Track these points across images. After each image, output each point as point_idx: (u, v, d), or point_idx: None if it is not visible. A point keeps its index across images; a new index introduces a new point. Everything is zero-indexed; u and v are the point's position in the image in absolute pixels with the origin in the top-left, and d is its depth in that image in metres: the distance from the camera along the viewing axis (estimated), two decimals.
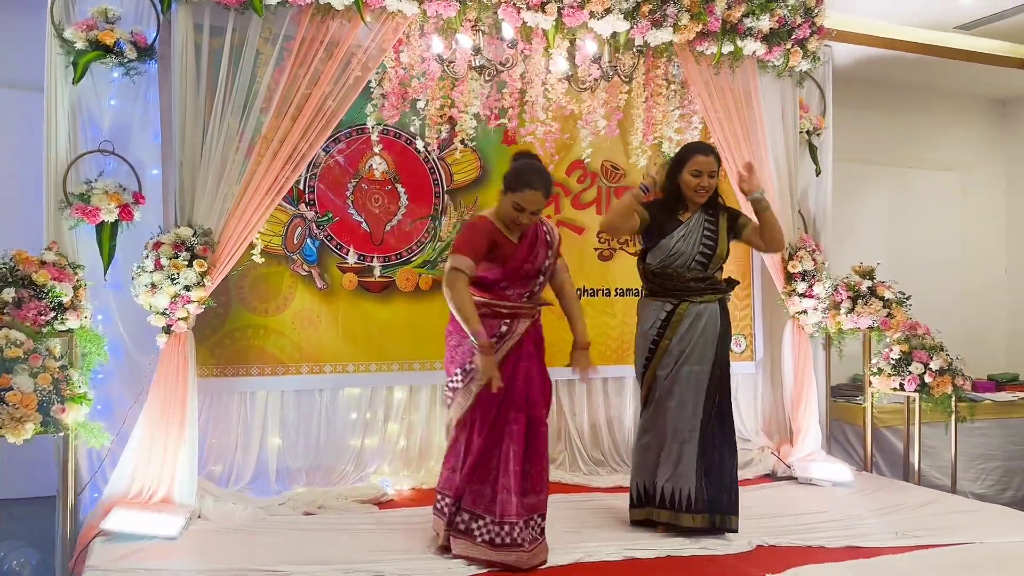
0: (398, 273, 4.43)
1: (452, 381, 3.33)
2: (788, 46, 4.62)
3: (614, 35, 4.18)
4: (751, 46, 4.48)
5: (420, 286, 4.46)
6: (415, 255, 4.46)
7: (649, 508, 3.63)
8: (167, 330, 3.62)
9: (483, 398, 3.20)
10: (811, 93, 5.22)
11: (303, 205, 4.25)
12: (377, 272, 4.39)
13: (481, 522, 3.15)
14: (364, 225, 4.37)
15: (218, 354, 4.06)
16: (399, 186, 4.43)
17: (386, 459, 4.42)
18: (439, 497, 3.34)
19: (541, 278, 3.38)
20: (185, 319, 3.62)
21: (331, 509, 3.90)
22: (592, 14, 4.02)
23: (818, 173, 5.20)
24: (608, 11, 4.05)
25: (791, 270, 4.78)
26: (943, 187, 6.68)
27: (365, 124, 4.21)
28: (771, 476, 4.73)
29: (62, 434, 3.23)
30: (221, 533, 3.54)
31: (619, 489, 4.31)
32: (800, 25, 4.60)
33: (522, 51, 4.15)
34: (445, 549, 3.24)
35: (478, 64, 4.00)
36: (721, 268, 3.69)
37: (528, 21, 4.00)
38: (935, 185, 6.64)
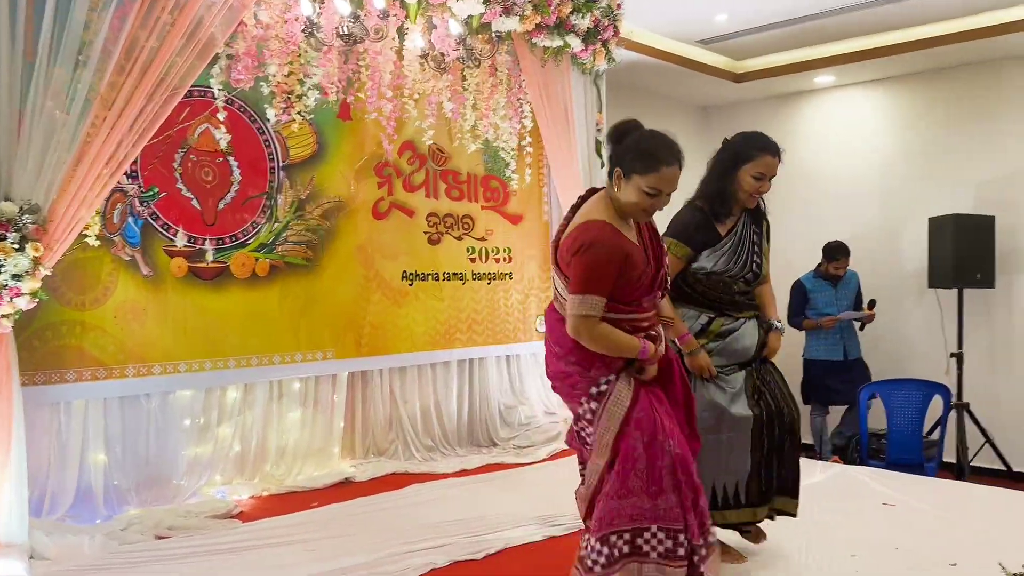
0: (233, 257, 3.95)
1: (584, 416, 2.52)
2: (597, 46, 4.96)
3: (468, 18, 4.15)
4: (574, 42, 4.73)
5: (256, 272, 4.03)
6: (251, 237, 4.01)
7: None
8: None
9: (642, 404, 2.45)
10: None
11: (124, 177, 3.59)
12: (209, 256, 3.87)
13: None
14: (194, 202, 3.83)
15: (24, 358, 3.26)
16: (231, 159, 3.95)
17: (218, 468, 3.95)
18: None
19: (667, 281, 2.70)
20: (9, 316, 2.91)
21: (185, 529, 3.40)
22: None
23: (602, 166, 5.63)
24: None
25: None
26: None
27: (196, 86, 3.68)
28: None
29: None
30: (77, 573, 2.91)
31: (463, 473, 4.37)
32: (606, 27, 4.96)
33: (375, 27, 3.94)
34: None
35: (346, 32, 3.71)
36: None
37: None
38: None
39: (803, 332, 6.12)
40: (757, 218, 3.11)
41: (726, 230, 3.04)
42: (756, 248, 3.08)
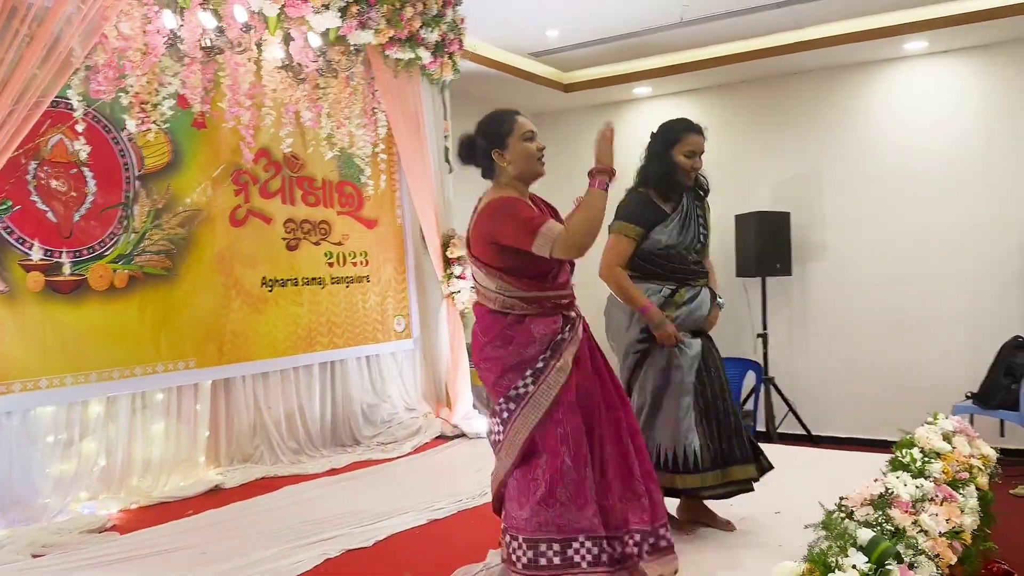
0: (90, 270, 3.87)
1: (500, 414, 2.60)
2: (444, 58, 5.23)
3: (326, 31, 4.29)
4: (424, 55, 4.97)
5: (115, 284, 3.97)
6: (108, 248, 3.95)
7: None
8: None
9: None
10: None
11: None
12: (67, 269, 3.78)
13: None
14: (50, 215, 3.73)
15: None
16: (85, 169, 3.87)
17: (84, 484, 3.87)
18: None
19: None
20: None
21: (61, 546, 3.35)
22: (316, 10, 4.09)
23: (451, 171, 5.89)
24: (327, 7, 4.16)
25: (449, 256, 5.42)
26: None
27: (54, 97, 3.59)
28: (444, 437, 5.31)
29: None
30: None
31: (332, 472, 4.51)
32: (452, 41, 5.24)
33: (237, 39, 4.00)
34: None
35: (209, 44, 3.76)
36: None
37: (252, 5, 3.90)
38: None
39: None
40: (699, 197, 3.38)
41: (671, 208, 3.26)
42: (701, 221, 3.33)
